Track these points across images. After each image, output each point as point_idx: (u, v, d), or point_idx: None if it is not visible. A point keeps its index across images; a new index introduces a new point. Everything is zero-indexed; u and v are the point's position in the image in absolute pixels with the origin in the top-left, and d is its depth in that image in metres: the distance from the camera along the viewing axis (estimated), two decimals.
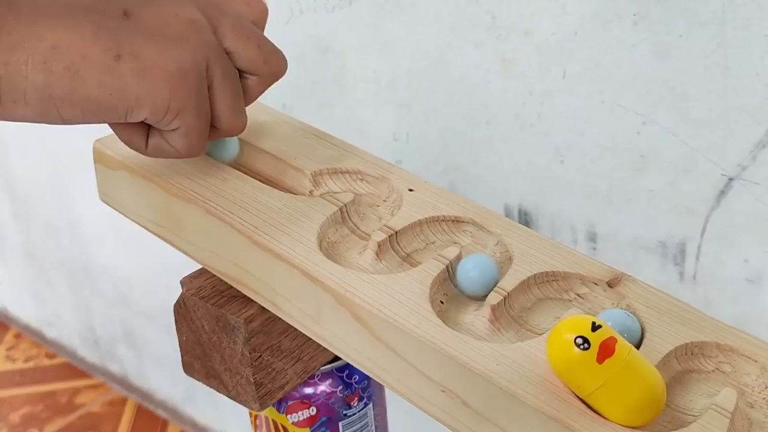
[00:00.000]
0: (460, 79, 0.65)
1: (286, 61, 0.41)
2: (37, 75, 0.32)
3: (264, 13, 0.41)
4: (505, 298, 0.37)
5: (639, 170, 0.58)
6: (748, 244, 0.55)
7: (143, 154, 0.39)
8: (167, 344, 1.23)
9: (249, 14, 0.40)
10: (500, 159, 0.65)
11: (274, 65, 0.40)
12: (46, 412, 1.39)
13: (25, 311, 1.57)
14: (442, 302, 0.37)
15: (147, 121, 0.36)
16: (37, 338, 1.57)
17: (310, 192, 0.44)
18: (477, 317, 0.37)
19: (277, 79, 0.41)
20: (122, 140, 0.39)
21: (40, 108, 0.32)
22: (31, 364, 1.52)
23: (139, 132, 0.38)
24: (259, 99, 0.52)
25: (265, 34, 0.44)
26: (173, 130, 0.37)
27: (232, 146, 0.45)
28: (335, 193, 0.43)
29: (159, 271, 1.15)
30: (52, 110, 0.33)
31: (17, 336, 1.60)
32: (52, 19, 0.32)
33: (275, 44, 0.40)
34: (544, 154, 0.62)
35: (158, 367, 1.30)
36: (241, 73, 0.39)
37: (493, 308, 0.36)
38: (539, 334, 0.36)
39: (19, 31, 0.32)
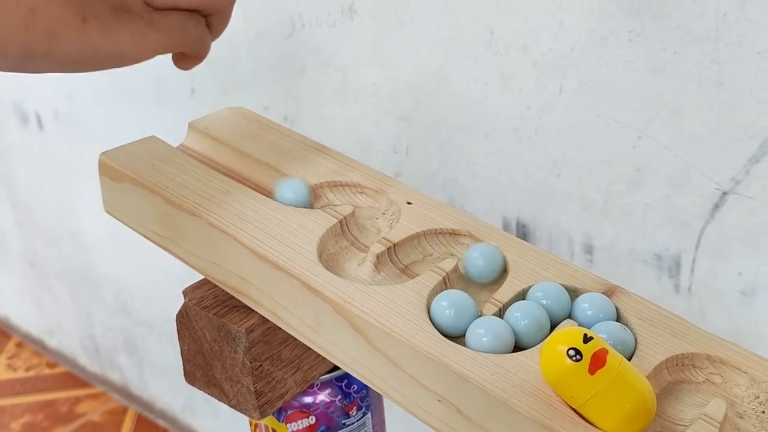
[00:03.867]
0: (459, 93, 0.66)
1: None
2: (20, 36, 0.34)
3: None
4: (500, 309, 0.38)
5: (635, 184, 0.58)
6: (742, 257, 0.55)
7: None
8: (168, 354, 1.23)
9: None
10: (498, 172, 0.66)
11: None
12: (47, 421, 1.39)
13: (26, 320, 1.58)
14: None
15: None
16: (38, 347, 1.58)
17: (310, 205, 0.44)
18: None
19: None
20: None
21: (19, 62, 0.35)
22: (32, 373, 1.52)
23: None
24: (260, 113, 0.53)
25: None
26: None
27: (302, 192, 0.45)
28: (335, 205, 0.44)
29: (160, 280, 1.16)
30: (29, 64, 0.36)
31: (18, 345, 1.61)
32: None
33: None
34: (542, 167, 0.63)
35: (158, 377, 1.30)
36: None
37: None
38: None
39: None
